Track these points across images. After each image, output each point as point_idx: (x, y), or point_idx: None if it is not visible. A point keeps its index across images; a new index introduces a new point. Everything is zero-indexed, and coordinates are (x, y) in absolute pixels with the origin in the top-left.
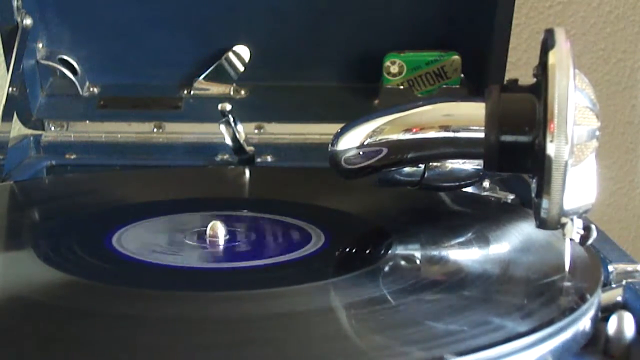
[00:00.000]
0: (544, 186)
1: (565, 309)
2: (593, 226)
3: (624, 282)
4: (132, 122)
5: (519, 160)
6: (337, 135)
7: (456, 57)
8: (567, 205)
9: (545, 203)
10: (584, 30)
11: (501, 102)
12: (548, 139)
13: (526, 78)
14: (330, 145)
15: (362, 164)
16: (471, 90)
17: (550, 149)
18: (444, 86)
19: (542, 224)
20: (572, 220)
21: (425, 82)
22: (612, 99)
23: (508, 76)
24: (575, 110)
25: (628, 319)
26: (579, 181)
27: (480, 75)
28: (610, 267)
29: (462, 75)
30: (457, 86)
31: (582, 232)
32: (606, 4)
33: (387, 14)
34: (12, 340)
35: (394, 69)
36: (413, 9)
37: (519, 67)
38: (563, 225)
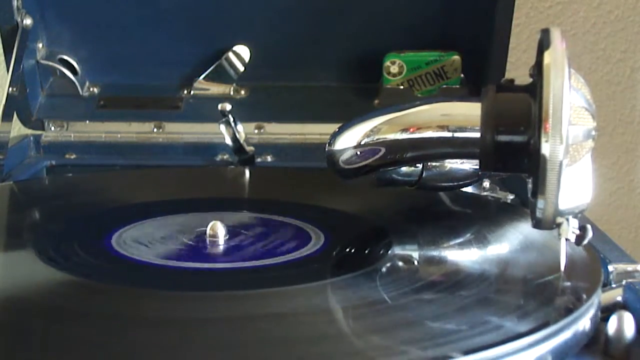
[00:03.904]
0: (539, 186)
1: (565, 309)
2: (589, 226)
3: (624, 282)
4: (132, 122)
5: (514, 160)
6: (334, 135)
7: (456, 57)
8: (563, 205)
9: (540, 203)
10: (584, 30)
11: (497, 102)
12: (543, 138)
13: (526, 78)
14: (327, 145)
15: (360, 164)
16: (471, 90)
17: (545, 149)
18: (444, 86)
19: (537, 223)
20: (567, 220)
21: (425, 82)
22: (612, 99)
23: (508, 76)
24: (571, 110)
25: (628, 319)
26: (574, 181)
27: (480, 75)
28: (610, 267)
29: (462, 75)
30: (457, 86)
31: (577, 232)
32: (606, 4)
33: (387, 14)
34: (12, 340)
35: (394, 69)
36: (413, 9)
37: (519, 67)
38: (558, 225)
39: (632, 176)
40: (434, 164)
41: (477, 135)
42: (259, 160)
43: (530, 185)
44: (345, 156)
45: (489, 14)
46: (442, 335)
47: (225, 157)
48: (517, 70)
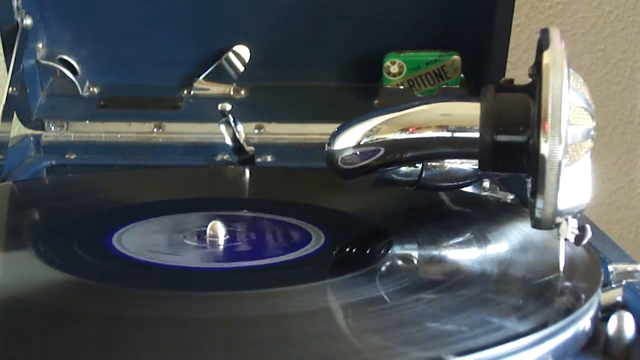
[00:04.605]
0: (538, 186)
1: (565, 309)
2: (588, 226)
3: (624, 282)
4: (132, 122)
5: (513, 160)
6: (334, 135)
7: (456, 57)
8: (562, 205)
9: (539, 203)
10: (584, 30)
11: (496, 102)
12: (542, 138)
13: (526, 78)
14: (326, 144)
15: (359, 164)
16: (471, 90)
17: (544, 149)
18: (444, 86)
19: (536, 223)
20: (566, 220)
21: (425, 82)
22: (612, 99)
23: (508, 76)
24: (570, 110)
25: (628, 319)
26: (573, 181)
27: (480, 75)
28: (610, 267)
29: (462, 75)
30: (457, 86)
31: (577, 232)
32: (606, 4)
33: (387, 14)
34: (12, 340)
35: (394, 69)
36: (413, 9)
37: (519, 67)
38: (558, 225)
39: (632, 176)
40: (433, 164)
41: (477, 135)
42: (259, 160)
43: (529, 185)
44: (344, 156)
45: (489, 13)
46: (442, 336)
47: (225, 157)
48: (517, 70)
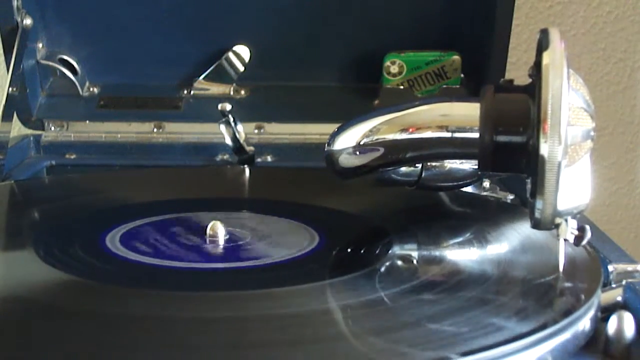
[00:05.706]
0: (537, 186)
1: (565, 309)
2: (587, 226)
3: (624, 282)
4: (132, 122)
5: (513, 161)
6: (334, 135)
7: (456, 57)
8: (561, 206)
9: (539, 203)
10: (584, 30)
11: (495, 102)
12: (542, 139)
13: (526, 78)
14: (326, 145)
15: (359, 164)
16: (471, 90)
17: (544, 150)
18: (444, 86)
19: (536, 224)
20: (566, 220)
21: (426, 82)
22: (612, 99)
23: (508, 76)
24: (569, 110)
25: (628, 319)
26: (573, 182)
27: (480, 75)
28: (610, 267)
29: (462, 75)
30: (457, 86)
31: (576, 232)
32: (606, 4)
33: (388, 14)
34: (12, 340)
35: (394, 69)
36: (413, 9)
37: (519, 67)
38: (557, 226)
39: (632, 176)
40: (433, 164)
41: (476, 135)
42: (259, 160)
43: (529, 186)
44: (344, 156)
45: (489, 14)
46: (442, 337)
47: (225, 157)
48: (517, 71)
